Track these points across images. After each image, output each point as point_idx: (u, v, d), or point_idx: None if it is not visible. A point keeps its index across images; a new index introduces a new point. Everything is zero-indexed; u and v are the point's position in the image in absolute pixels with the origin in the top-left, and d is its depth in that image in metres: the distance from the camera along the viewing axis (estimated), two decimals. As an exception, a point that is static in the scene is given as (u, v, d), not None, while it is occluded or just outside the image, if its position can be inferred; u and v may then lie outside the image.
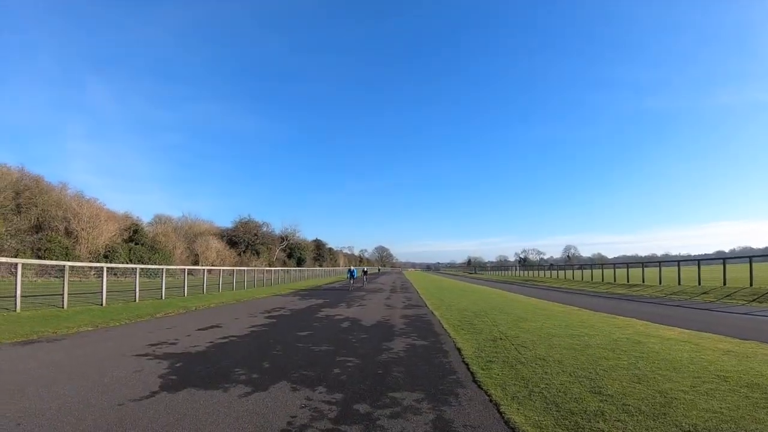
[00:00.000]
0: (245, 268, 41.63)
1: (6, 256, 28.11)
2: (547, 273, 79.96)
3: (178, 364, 8.99)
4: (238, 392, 7.05)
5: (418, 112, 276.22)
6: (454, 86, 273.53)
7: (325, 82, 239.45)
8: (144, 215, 73.34)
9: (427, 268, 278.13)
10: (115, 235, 47.25)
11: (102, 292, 19.58)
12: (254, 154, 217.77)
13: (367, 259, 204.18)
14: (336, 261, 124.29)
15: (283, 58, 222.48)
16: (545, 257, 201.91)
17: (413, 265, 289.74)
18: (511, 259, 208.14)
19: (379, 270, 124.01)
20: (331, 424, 5.63)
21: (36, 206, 42.05)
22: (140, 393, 6.92)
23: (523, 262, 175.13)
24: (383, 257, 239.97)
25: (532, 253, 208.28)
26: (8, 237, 36.34)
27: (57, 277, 24.90)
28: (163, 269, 26.62)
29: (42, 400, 6.44)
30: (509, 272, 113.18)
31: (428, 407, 6.29)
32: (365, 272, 56.14)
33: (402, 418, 5.84)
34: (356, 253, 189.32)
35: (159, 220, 67.18)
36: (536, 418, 5.80)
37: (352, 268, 46.98)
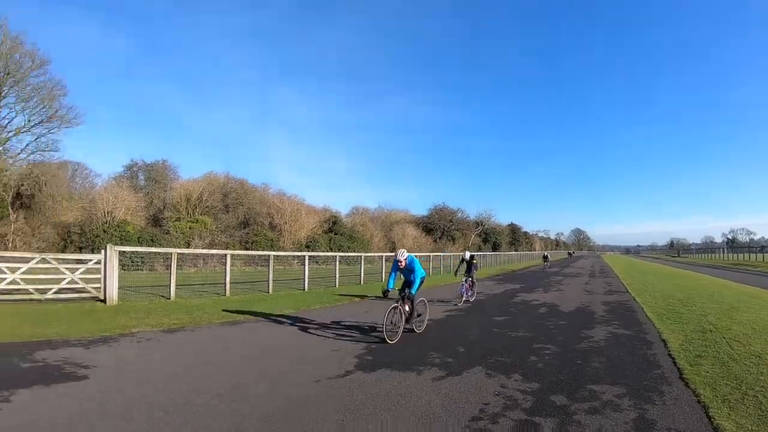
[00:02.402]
0: (441, 253, 42.66)
1: (217, 249, 32.29)
2: (759, 256, 71.25)
3: (373, 346, 9.91)
4: (431, 375, 7.59)
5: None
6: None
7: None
8: (342, 208, 78.89)
9: (626, 251, 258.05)
10: (315, 226, 52.02)
11: (304, 278, 22.04)
12: (444, 142, 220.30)
13: (564, 242, 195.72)
14: (531, 245, 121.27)
15: (466, 48, 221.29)
16: (755, 237, 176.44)
17: (611, 249, 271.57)
18: (718, 240, 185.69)
19: (570, 255, 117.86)
20: (525, 414, 5.81)
21: (242, 205, 49.57)
22: (336, 371, 7.78)
23: (731, 244, 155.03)
24: (580, 240, 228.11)
25: (740, 234, 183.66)
26: (219, 233, 43.01)
27: (263, 266, 28.06)
28: (361, 256, 28.85)
29: (246, 375, 7.56)
30: (715, 255, 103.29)
31: (629, 404, 6.24)
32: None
33: (600, 414, 5.84)
34: (552, 236, 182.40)
35: (356, 211, 71.77)
36: (751, 427, 5.46)
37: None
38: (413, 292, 10.92)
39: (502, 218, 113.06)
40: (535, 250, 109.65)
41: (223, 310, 14.17)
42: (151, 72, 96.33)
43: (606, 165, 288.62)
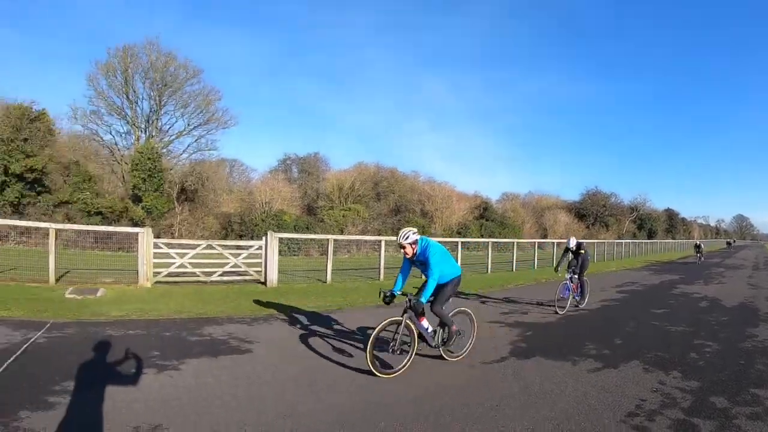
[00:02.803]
0: (594, 240, 41.02)
1: (369, 236, 33.35)
2: None
3: (528, 333, 9.88)
4: (586, 366, 7.44)
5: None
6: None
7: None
8: (492, 194, 77.59)
9: None
10: (466, 213, 52.14)
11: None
12: (593, 122, 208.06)
13: (725, 230, 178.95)
14: (690, 233, 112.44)
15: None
16: None
17: None
18: None
19: (729, 244, 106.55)
20: (683, 414, 5.53)
21: (393, 193, 51.00)
22: (491, 357, 7.87)
23: None
24: (742, 228, 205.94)
25: None
26: (371, 220, 44.70)
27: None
28: (514, 242, 28.56)
29: None
30: None
31: None
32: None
33: (762, 420, 5.40)
34: (712, 223, 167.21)
35: (506, 197, 70.73)
36: None
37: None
38: (423, 300, 7.11)
39: (658, 203, 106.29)
40: (693, 238, 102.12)
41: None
42: (296, 71, 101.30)
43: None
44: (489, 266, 24.31)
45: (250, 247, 16.45)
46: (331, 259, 17.55)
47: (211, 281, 15.33)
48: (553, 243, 34.37)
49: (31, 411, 4.97)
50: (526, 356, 7.88)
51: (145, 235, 14.46)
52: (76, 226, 21.33)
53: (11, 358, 6.77)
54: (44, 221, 23.89)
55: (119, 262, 18.01)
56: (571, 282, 13.17)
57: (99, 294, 12.41)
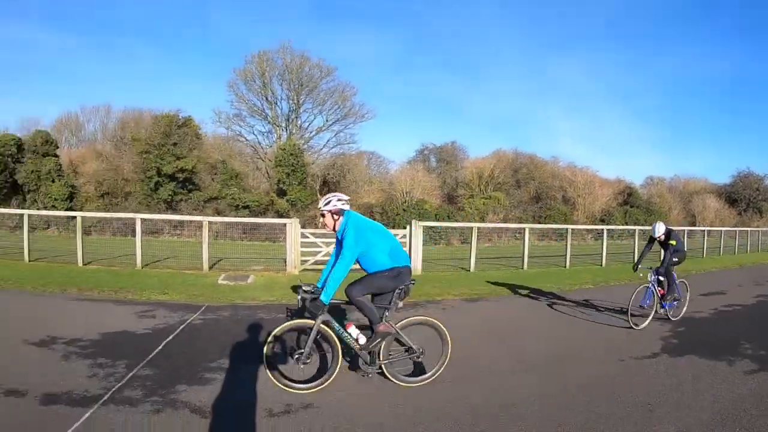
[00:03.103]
0: (747, 228, 37.45)
1: (512, 224, 32.84)
2: None
3: (680, 329, 9.21)
4: (743, 368, 6.71)
5: None
6: None
7: None
8: (635, 179, 73.16)
9: None
10: (609, 199, 49.61)
11: (602, 253, 21.09)
12: (745, 99, 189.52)
13: None
14: None
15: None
16: None
17: None
18: None
19: None
20: None
21: (533, 179, 49.68)
22: (641, 352, 7.40)
23: None
24: None
25: None
26: (512, 208, 44.03)
27: (556, 240, 27.78)
28: None
29: (550, 346, 7.65)
30: None
31: None
32: None
33: None
34: None
35: (651, 181, 66.38)
36: None
37: None
38: (323, 298, 5.29)
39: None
40: None
41: (519, 285, 14.15)
42: (427, 62, 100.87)
43: None
44: (635, 255, 22.75)
45: (396, 235, 16.34)
46: (476, 247, 17.30)
47: (358, 269, 15.48)
48: (704, 231, 31.70)
49: (188, 385, 5.30)
50: (679, 353, 7.36)
51: (292, 226, 15.06)
52: (227, 219, 22.66)
53: (170, 337, 7.32)
54: (195, 216, 25.98)
55: (266, 251, 19.05)
56: (655, 286, 9.50)
57: (249, 280, 13.05)
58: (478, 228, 18.31)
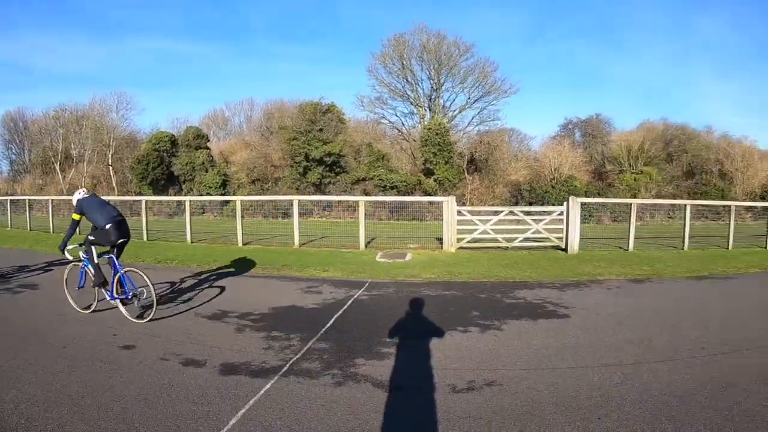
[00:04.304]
0: None
1: (666, 199, 31.35)
2: None
3: None
4: None
5: None
6: None
7: None
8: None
9: None
10: (772, 173, 45.34)
11: (766, 233, 19.28)
12: None
13: None
14: None
15: None
16: None
17: None
18: None
19: None
20: None
21: (686, 152, 46.39)
22: None
23: None
24: None
25: None
26: (664, 183, 42.02)
27: (713, 220, 26.08)
28: None
29: (724, 330, 7.33)
30: None
31: None
32: None
33: None
34: None
35: (823, 152, 60.01)
36: None
37: None
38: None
39: None
40: None
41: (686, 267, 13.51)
42: (561, 32, 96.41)
43: None
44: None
45: (552, 212, 16.43)
46: (634, 225, 16.76)
47: (512, 247, 15.70)
48: None
49: (365, 359, 5.57)
50: None
51: (449, 203, 15.37)
52: (383, 198, 23.44)
53: (339, 311, 7.78)
54: (351, 196, 27.21)
55: (416, 230, 19.52)
56: None
57: (407, 258, 13.52)
58: (635, 205, 17.68)
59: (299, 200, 16.83)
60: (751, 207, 30.86)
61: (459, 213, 15.56)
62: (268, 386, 4.80)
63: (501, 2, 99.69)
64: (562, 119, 54.52)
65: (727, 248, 17.75)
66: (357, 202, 16.53)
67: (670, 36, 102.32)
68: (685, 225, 17.54)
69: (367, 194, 35.60)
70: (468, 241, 15.59)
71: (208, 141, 45.12)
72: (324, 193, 37.53)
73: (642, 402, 4.58)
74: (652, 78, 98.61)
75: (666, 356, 5.91)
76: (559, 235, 15.87)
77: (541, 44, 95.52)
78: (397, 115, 48.11)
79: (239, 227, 16.51)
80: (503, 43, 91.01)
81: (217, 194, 38.63)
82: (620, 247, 16.76)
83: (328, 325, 7.05)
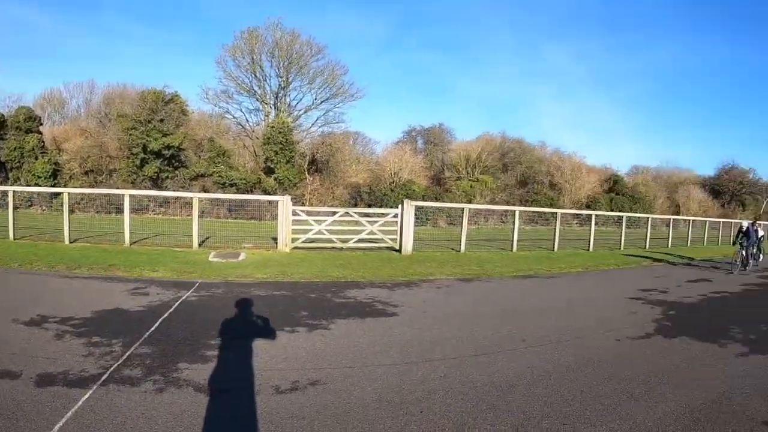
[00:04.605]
0: (730, 220, 38.17)
1: (503, 206, 33.12)
2: None
3: (670, 312, 9.33)
4: (734, 350, 6.84)
5: None
6: None
7: None
8: (621, 167, 74.30)
9: None
10: (595, 186, 50.48)
11: (590, 238, 21.44)
12: (732, 91, 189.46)
13: None
14: None
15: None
16: None
17: None
18: None
19: None
20: None
21: (520, 164, 50.32)
22: (636, 333, 7.53)
23: None
24: None
25: None
26: (498, 191, 44.54)
27: (542, 225, 28.06)
28: (648, 218, 27.61)
29: (544, 326, 7.62)
30: None
31: None
32: None
33: None
34: None
35: (636, 170, 67.69)
36: None
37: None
38: None
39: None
40: None
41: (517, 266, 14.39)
42: (416, 42, 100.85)
43: None
44: (622, 242, 23.36)
45: (387, 215, 16.67)
46: (466, 228, 17.40)
47: (347, 248, 15.61)
48: (689, 221, 32.31)
49: (189, 363, 5.19)
50: (671, 335, 7.45)
51: (284, 203, 14.96)
52: (218, 195, 22.43)
53: (166, 314, 7.19)
54: (185, 192, 25.82)
55: (253, 230, 19.13)
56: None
57: (241, 258, 12.95)
58: (468, 209, 18.34)
59: (131, 195, 15.57)
60: (577, 214, 33.43)
61: (294, 213, 15.25)
62: (86, 396, 4.35)
63: (360, 8, 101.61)
64: (407, 126, 56.21)
65: (553, 250, 18.98)
66: (192, 199, 15.55)
67: (517, 57, 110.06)
68: (514, 229, 18.58)
69: (206, 191, 33.89)
70: (303, 242, 15.34)
71: (41, 124, 40.17)
72: (161, 188, 35.04)
73: (464, 393, 4.68)
74: (497, 94, 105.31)
75: (489, 350, 6.12)
76: (394, 236, 16.07)
77: (394, 53, 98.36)
78: (242, 111, 46.44)
79: (66, 223, 14.91)
80: (357, 48, 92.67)
81: (46, 185, 33.99)
82: (453, 249, 17.33)
83: (152, 328, 6.51)
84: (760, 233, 19.00)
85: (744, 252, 16.97)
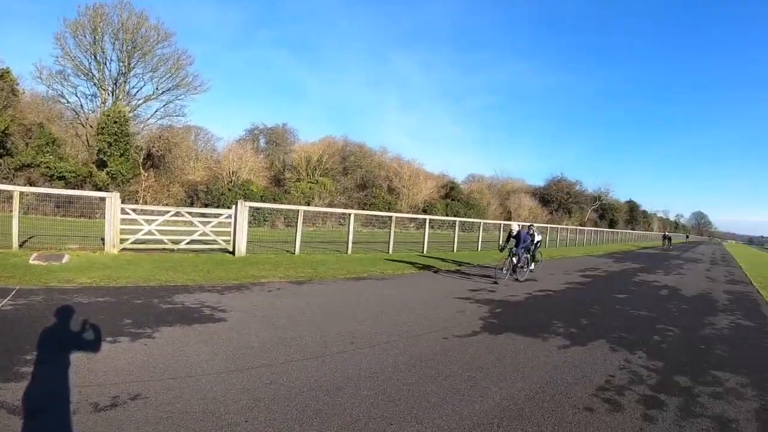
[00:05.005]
0: (558, 226, 42.11)
1: (338, 209, 33.42)
2: None
3: (497, 310, 10.08)
4: (556, 343, 7.66)
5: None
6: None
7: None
8: (459, 175, 78.97)
9: (749, 241, 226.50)
10: (432, 192, 52.96)
11: (424, 241, 22.45)
12: (563, 110, 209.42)
13: (683, 225, 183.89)
14: (649, 225, 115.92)
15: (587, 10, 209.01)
16: None
17: (733, 236, 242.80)
18: None
19: (687, 236, 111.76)
20: (650, 390, 5.81)
21: (361, 168, 51.13)
22: (463, 331, 8.03)
23: None
24: (701, 225, 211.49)
25: None
26: (338, 194, 45.01)
27: (380, 228, 28.70)
28: (480, 223, 29.40)
29: (375, 325, 7.95)
30: None
31: (753, 394, 5.98)
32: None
33: (723, 399, 5.70)
34: (671, 218, 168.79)
35: (472, 178, 72.54)
36: None
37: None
38: None
39: (621, 194, 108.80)
40: (652, 231, 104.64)
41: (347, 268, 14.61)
42: (267, 40, 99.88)
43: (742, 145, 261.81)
44: (455, 245, 24.70)
45: (220, 215, 16.28)
46: (301, 230, 17.46)
47: (179, 249, 15.06)
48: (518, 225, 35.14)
49: (1, 382, 4.72)
50: (497, 332, 8.07)
51: (112, 200, 14.03)
52: (42, 190, 20.51)
53: None
54: (4, 185, 23.31)
55: (82, 228, 17.66)
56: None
57: (64, 260, 12.05)
58: (304, 211, 18.36)
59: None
60: (413, 218, 34.70)
61: (123, 211, 14.36)
62: None
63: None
64: (250, 124, 55.08)
65: (388, 252, 19.52)
66: (13, 192, 14.00)
67: (367, 64, 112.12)
68: (349, 232, 18.89)
69: (32, 184, 30.74)
70: (132, 242, 14.53)
71: None
72: (-19, 178, 31.27)
73: (290, 400, 4.72)
74: (343, 98, 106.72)
75: (316, 353, 6.22)
76: (227, 237, 15.79)
77: (245, 48, 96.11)
78: (77, 96, 41.87)
79: None
80: (208, 40, 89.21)
81: None
82: (288, 251, 17.32)
83: (-44, 343, 5.83)
84: (537, 238, 17.79)
85: (514, 259, 15.00)
